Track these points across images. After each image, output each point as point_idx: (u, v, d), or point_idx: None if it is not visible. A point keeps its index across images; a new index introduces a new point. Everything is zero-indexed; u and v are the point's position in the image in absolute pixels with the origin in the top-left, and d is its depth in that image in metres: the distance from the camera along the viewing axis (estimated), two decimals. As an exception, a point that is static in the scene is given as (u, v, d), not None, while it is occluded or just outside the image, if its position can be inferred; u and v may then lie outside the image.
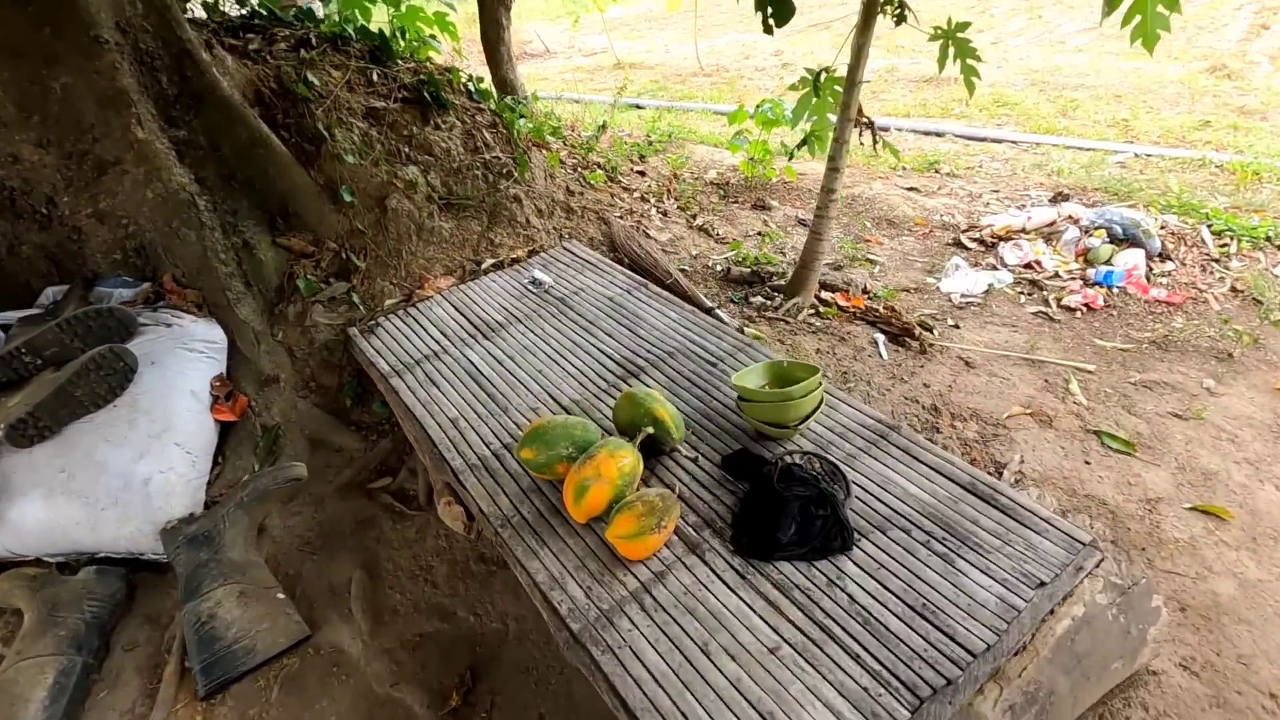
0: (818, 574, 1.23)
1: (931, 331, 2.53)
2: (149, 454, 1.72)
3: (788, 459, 1.44)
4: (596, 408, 1.69)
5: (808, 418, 1.49)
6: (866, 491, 1.39)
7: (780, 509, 1.29)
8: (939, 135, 4.63)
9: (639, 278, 2.24)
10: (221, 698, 1.51)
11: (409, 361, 1.94)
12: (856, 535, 1.29)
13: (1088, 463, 1.98)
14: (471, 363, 1.90)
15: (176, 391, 1.84)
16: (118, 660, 1.58)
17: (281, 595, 1.62)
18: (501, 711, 1.47)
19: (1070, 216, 3.19)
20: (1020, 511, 1.32)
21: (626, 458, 1.36)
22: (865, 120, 2.28)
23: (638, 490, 1.38)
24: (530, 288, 2.22)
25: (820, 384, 1.50)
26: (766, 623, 1.17)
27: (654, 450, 1.49)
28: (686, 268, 2.92)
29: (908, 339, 2.47)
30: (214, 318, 2.06)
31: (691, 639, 1.16)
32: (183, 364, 1.89)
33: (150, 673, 1.56)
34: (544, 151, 3.05)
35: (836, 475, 1.40)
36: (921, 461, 1.45)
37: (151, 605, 1.68)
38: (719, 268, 2.93)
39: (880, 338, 2.47)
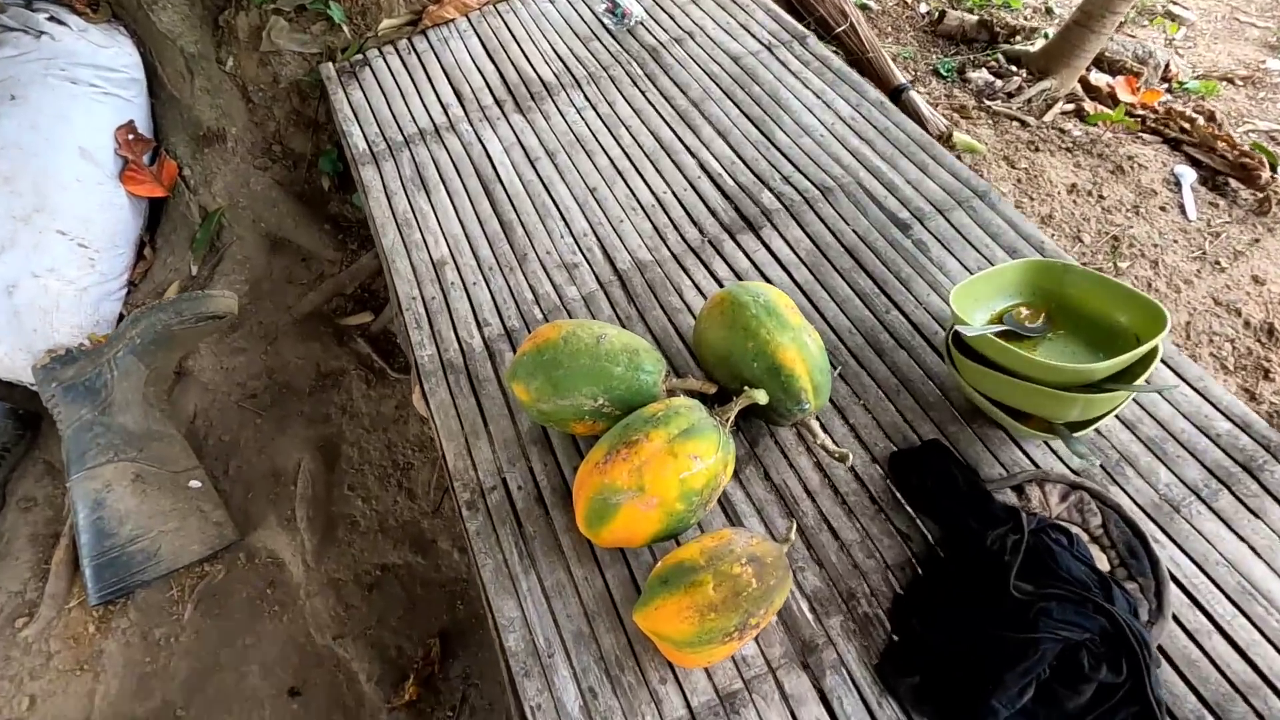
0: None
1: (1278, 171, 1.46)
2: (13, 246, 1.17)
3: (1036, 503, 0.70)
4: (673, 294, 0.94)
5: (1104, 416, 0.70)
6: (1208, 619, 0.65)
7: (1010, 639, 0.59)
8: None
9: (792, 21, 1.27)
10: (121, 605, 1.13)
11: (396, 140, 1.20)
12: (1170, 729, 0.59)
13: None
14: (489, 157, 1.14)
15: (55, 147, 1.22)
16: (11, 521, 1.20)
17: (198, 484, 1.15)
18: (478, 714, 1.01)
19: None
20: None
21: (702, 456, 0.66)
22: None
23: (707, 509, 0.71)
24: (605, 19, 1.32)
25: (1158, 352, 0.67)
26: None
27: (759, 414, 0.77)
28: (873, 2, 1.83)
29: (1234, 181, 1.44)
30: (119, 25, 1.33)
31: None
32: (64, 102, 1.23)
33: (47, 545, 1.19)
34: None
35: (1146, 574, 0.65)
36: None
37: (55, 450, 1.26)
38: (924, 8, 1.82)
39: (1186, 174, 1.45)
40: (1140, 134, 1.54)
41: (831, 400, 0.82)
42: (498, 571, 0.75)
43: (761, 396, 0.69)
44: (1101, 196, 1.40)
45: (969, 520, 0.67)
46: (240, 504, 1.19)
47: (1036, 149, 1.49)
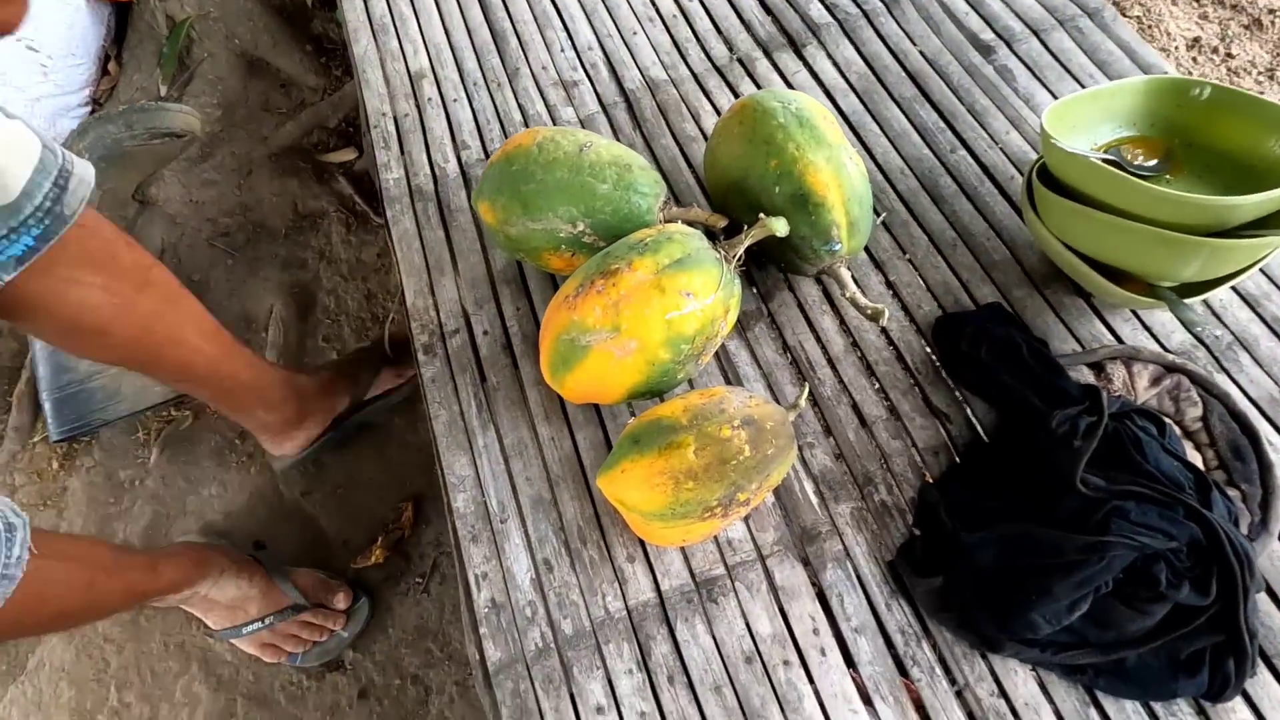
0: (1103, 730, 0.47)
1: None
2: (-49, 43, 1.03)
3: (1120, 385, 0.55)
4: (688, 120, 0.77)
5: (1227, 280, 0.53)
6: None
7: (1069, 541, 0.46)
8: None
9: None
10: (86, 444, 1.07)
11: (378, -68, 1.00)
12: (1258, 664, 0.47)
13: None
14: (482, -46, 0.95)
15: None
16: (-25, 348, 1.14)
17: (159, 321, 1.05)
18: (446, 583, 0.95)
19: None
20: None
21: (697, 294, 0.51)
22: None
23: (700, 364, 0.58)
24: None
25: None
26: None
27: (777, 258, 0.62)
28: None
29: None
30: None
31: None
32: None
33: (11, 377, 1.12)
34: None
35: (1253, 480, 0.51)
36: None
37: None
38: None
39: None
40: (1287, -16, 1.25)
41: (869, 252, 0.66)
42: (451, 424, 0.64)
43: (780, 226, 0.54)
44: (1229, 55, 1.15)
45: (1031, 397, 0.52)
46: (210, 349, 1.10)
47: (1155, -6, 1.22)
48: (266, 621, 0.88)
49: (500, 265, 0.72)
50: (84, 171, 0.60)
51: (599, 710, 0.51)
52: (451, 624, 0.92)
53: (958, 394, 0.58)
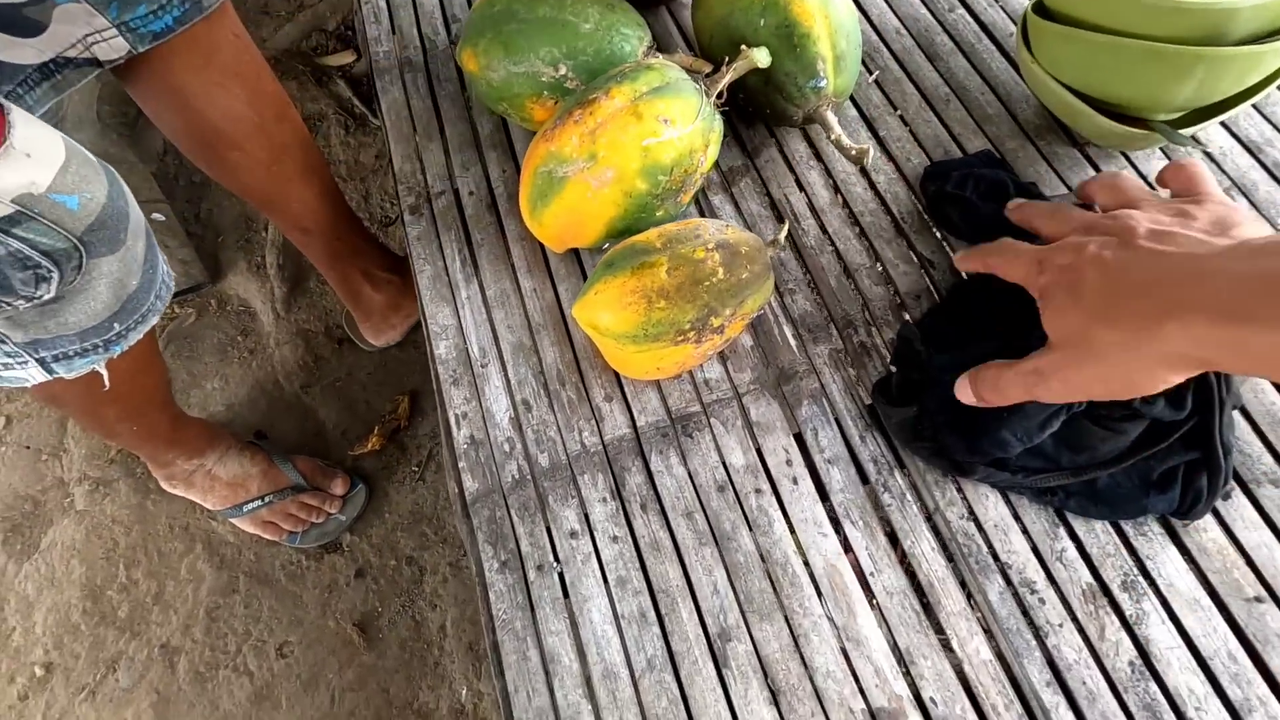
0: (1068, 542, 0.47)
1: None
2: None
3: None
4: (682, -23, 0.76)
5: (1227, 108, 0.51)
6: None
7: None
8: None
9: None
10: (92, 339, 1.09)
11: None
12: (1230, 485, 0.46)
13: None
14: None
15: None
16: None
17: (161, 217, 1.06)
18: (442, 471, 0.96)
19: None
20: None
21: (675, 122, 0.51)
22: None
23: (680, 203, 0.57)
24: None
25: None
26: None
27: (761, 108, 0.61)
28: None
29: None
30: None
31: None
32: None
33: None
34: None
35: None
36: None
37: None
38: None
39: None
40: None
41: (858, 107, 0.65)
42: (436, 279, 0.64)
43: (762, 56, 0.52)
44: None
45: (1015, 235, 0.51)
46: (211, 249, 1.12)
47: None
48: (266, 500, 0.91)
49: (487, 130, 0.71)
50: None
51: (572, 534, 0.52)
52: (445, 509, 0.94)
53: (943, 240, 0.57)
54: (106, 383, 0.62)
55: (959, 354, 0.49)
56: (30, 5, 0.57)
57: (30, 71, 0.61)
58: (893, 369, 0.53)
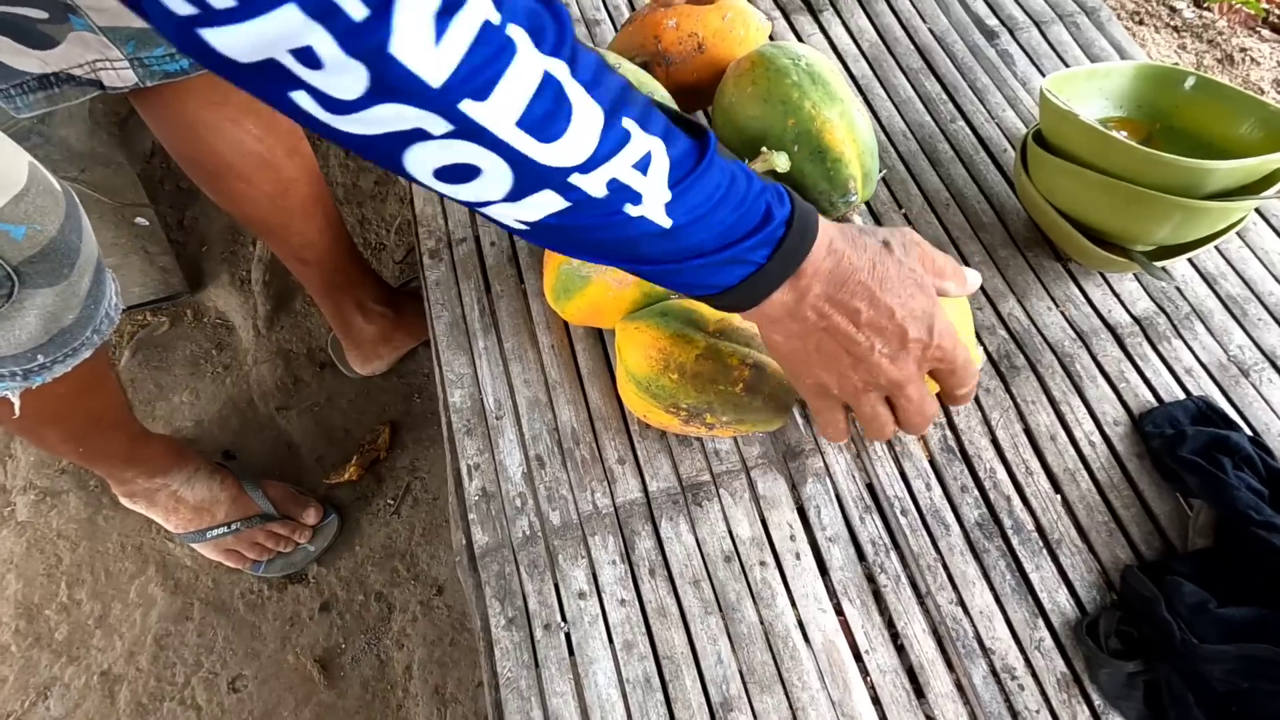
0: None
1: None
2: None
3: None
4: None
5: (1197, 246, 0.58)
6: None
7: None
8: None
9: None
10: (54, 340, 1.04)
11: None
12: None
13: None
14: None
15: None
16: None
17: (144, 221, 1.03)
18: (418, 506, 0.95)
19: None
20: None
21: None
22: None
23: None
24: None
25: (1284, 174, 0.55)
26: None
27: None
28: None
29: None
30: None
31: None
32: None
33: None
34: None
35: None
36: None
37: None
38: None
39: (1300, 79, 1.27)
40: (1261, 27, 1.34)
41: (869, 205, 0.70)
42: (453, 326, 0.65)
43: (782, 161, 0.56)
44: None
45: (1266, 510, 0.50)
46: (193, 258, 1.09)
47: (1141, 22, 1.30)
48: (233, 527, 0.88)
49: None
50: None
51: (581, 595, 0.53)
52: (420, 546, 0.93)
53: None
54: (17, 410, 0.59)
55: (1217, 638, 0.46)
56: (47, 23, 0.56)
57: (29, 79, 0.59)
58: (1108, 610, 0.51)
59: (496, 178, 0.30)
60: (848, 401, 0.44)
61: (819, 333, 0.40)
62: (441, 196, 0.32)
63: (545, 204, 0.32)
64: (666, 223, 0.34)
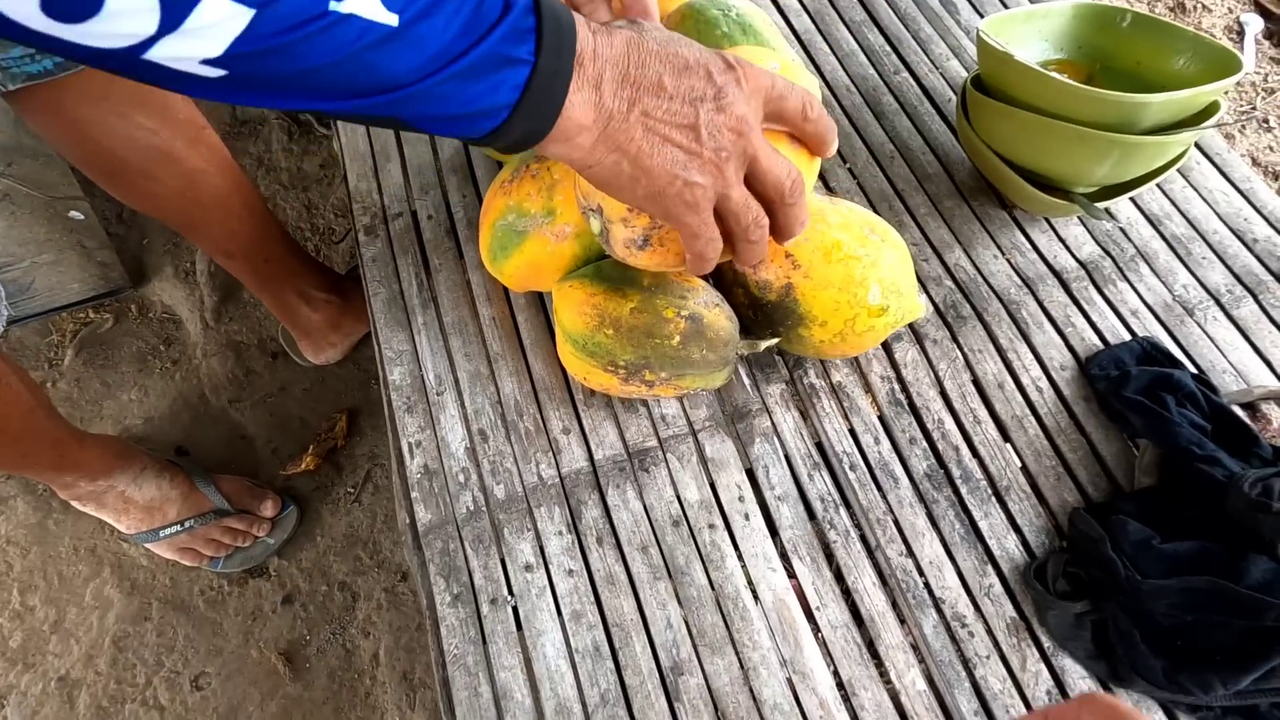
0: None
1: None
2: None
3: (1276, 421, 0.55)
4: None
5: (1136, 186, 0.58)
6: None
7: (1267, 606, 0.43)
8: None
9: None
10: (-7, 341, 1.00)
11: None
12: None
13: None
14: None
15: None
16: None
17: (79, 215, 1.00)
18: (379, 493, 0.94)
19: None
20: None
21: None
22: None
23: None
24: None
25: (1218, 107, 0.54)
26: None
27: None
28: None
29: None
30: None
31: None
32: None
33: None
34: None
35: None
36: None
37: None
38: None
39: (1252, 23, 1.27)
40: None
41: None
42: (390, 303, 0.63)
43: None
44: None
45: (1209, 447, 0.49)
46: (135, 251, 1.06)
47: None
48: (186, 525, 0.86)
49: (448, 154, 0.71)
50: None
51: (528, 568, 0.52)
52: (383, 533, 0.91)
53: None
54: None
55: (1159, 573, 0.46)
56: None
57: None
58: (1055, 553, 0.51)
59: None
60: (690, 202, 0.36)
61: (638, 126, 0.33)
62: (73, 55, 0.23)
63: (220, 22, 0.24)
64: (390, 19, 0.27)
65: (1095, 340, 0.59)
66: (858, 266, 0.50)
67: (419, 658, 0.84)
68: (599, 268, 0.52)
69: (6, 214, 0.95)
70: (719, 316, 0.52)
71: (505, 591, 0.51)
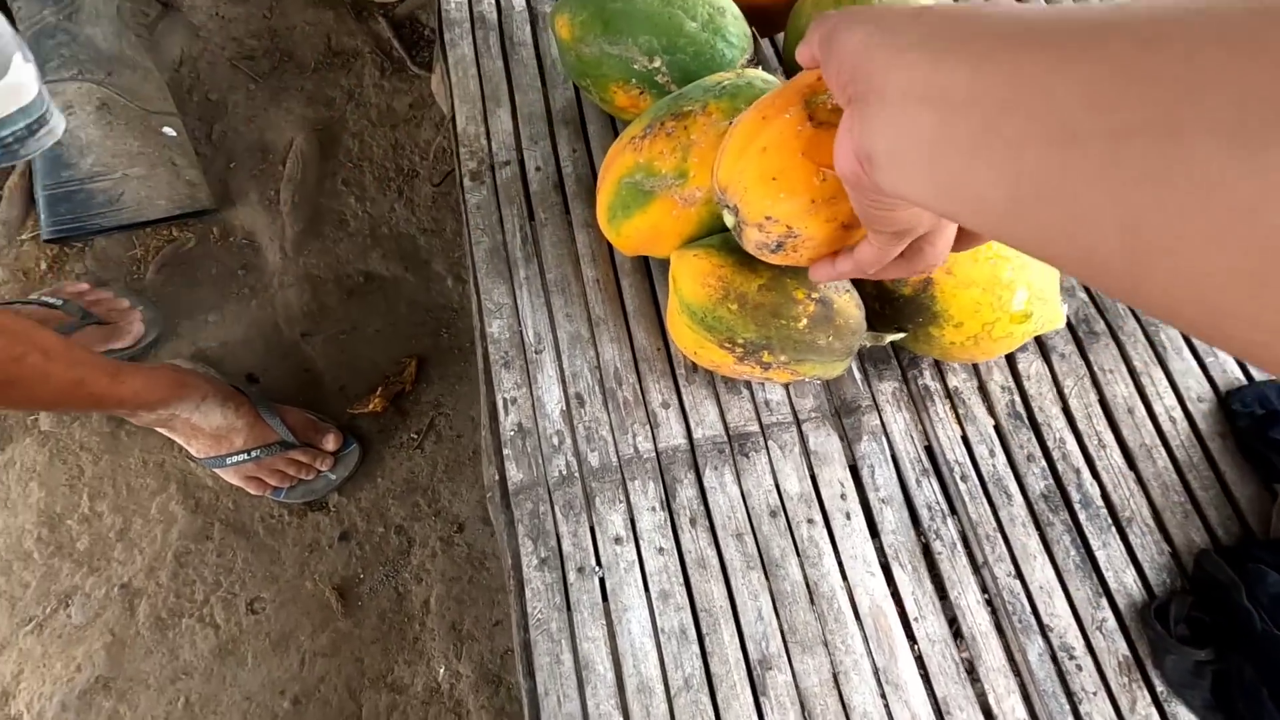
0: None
1: None
2: None
3: None
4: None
5: None
6: None
7: None
8: None
9: None
10: (79, 249, 1.02)
11: None
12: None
13: None
14: None
15: None
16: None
17: (172, 132, 1.00)
18: (442, 443, 0.93)
19: None
20: None
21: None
22: None
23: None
24: None
25: None
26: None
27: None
28: None
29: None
30: None
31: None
32: None
33: (5, 169, 1.06)
34: None
35: None
36: None
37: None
38: None
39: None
40: None
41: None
42: (493, 252, 0.62)
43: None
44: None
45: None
46: (220, 174, 1.05)
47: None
48: (252, 454, 0.86)
49: (560, 105, 0.68)
50: (56, 125, 0.63)
51: (617, 540, 0.51)
52: (443, 482, 0.91)
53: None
54: None
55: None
56: None
57: None
58: (1179, 594, 0.48)
59: None
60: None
61: None
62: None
63: None
64: None
65: (1238, 374, 0.55)
66: (1006, 268, 0.47)
67: (469, 610, 0.85)
68: (727, 238, 0.49)
69: (103, 123, 0.95)
70: (849, 304, 0.49)
71: (593, 562, 0.50)
